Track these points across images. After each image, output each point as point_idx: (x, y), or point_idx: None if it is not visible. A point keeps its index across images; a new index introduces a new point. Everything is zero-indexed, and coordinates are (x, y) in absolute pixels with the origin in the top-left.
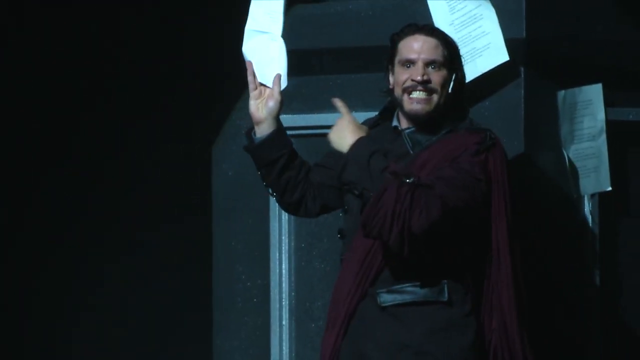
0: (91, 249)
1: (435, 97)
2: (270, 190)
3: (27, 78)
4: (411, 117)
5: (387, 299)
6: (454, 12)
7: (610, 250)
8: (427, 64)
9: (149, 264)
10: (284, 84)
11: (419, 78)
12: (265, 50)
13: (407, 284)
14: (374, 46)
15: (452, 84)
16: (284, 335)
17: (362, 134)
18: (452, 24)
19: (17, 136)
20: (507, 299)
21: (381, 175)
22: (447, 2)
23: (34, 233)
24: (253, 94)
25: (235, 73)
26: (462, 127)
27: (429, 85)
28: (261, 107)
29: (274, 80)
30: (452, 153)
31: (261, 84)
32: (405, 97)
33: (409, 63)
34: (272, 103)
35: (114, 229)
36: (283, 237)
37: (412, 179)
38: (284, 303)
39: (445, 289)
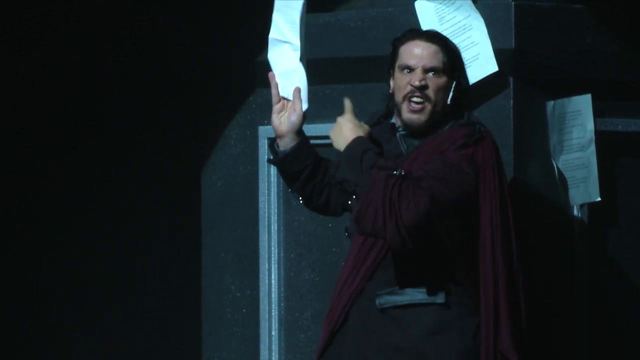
0: (79, 260)
1: (429, 106)
2: (296, 196)
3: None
4: (407, 125)
5: (386, 300)
6: (443, 23)
7: (599, 261)
8: (427, 70)
9: (137, 274)
10: (304, 105)
11: (416, 83)
12: (286, 60)
13: (406, 286)
14: (363, 57)
15: (452, 91)
16: (273, 346)
17: (360, 133)
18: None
19: (16, 141)
20: (503, 296)
21: (371, 172)
22: (437, 13)
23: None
24: (276, 107)
25: (225, 83)
26: (456, 124)
27: (426, 91)
28: (283, 121)
29: (294, 94)
30: (440, 146)
31: (283, 98)
32: (405, 104)
33: (408, 69)
34: (295, 117)
35: (100, 239)
36: (272, 248)
37: (399, 171)
38: (273, 314)
39: (443, 290)
